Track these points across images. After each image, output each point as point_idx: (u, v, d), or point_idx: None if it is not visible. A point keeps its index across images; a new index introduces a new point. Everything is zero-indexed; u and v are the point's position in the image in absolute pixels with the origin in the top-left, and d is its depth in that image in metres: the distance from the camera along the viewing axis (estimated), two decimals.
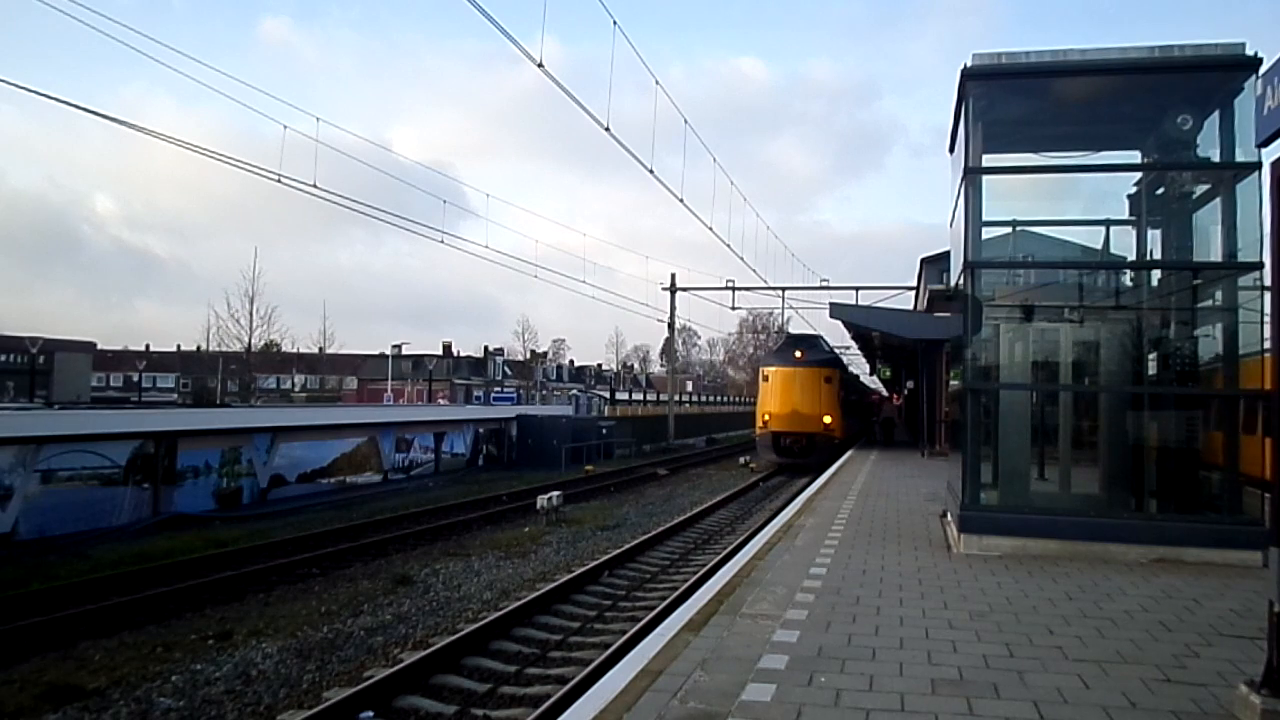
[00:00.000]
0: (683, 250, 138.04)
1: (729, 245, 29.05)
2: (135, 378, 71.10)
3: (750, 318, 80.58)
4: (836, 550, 8.73)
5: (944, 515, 10.70)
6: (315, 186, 17.33)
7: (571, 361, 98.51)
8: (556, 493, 18.00)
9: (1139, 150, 10.44)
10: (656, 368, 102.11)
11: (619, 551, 13.34)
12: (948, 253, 14.53)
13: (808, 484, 18.09)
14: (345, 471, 23.10)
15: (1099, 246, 10.53)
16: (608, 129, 15.91)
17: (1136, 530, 8.43)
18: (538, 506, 17.40)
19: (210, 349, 55.62)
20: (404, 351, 67.27)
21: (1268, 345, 5.83)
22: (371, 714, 6.61)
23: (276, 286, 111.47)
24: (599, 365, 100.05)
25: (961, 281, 9.42)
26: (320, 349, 67.55)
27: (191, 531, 15.73)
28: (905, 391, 36.65)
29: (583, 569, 11.88)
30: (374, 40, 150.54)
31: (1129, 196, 10.10)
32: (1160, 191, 9.92)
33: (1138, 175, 10.17)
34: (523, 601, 9.91)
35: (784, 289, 39.82)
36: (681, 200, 22.29)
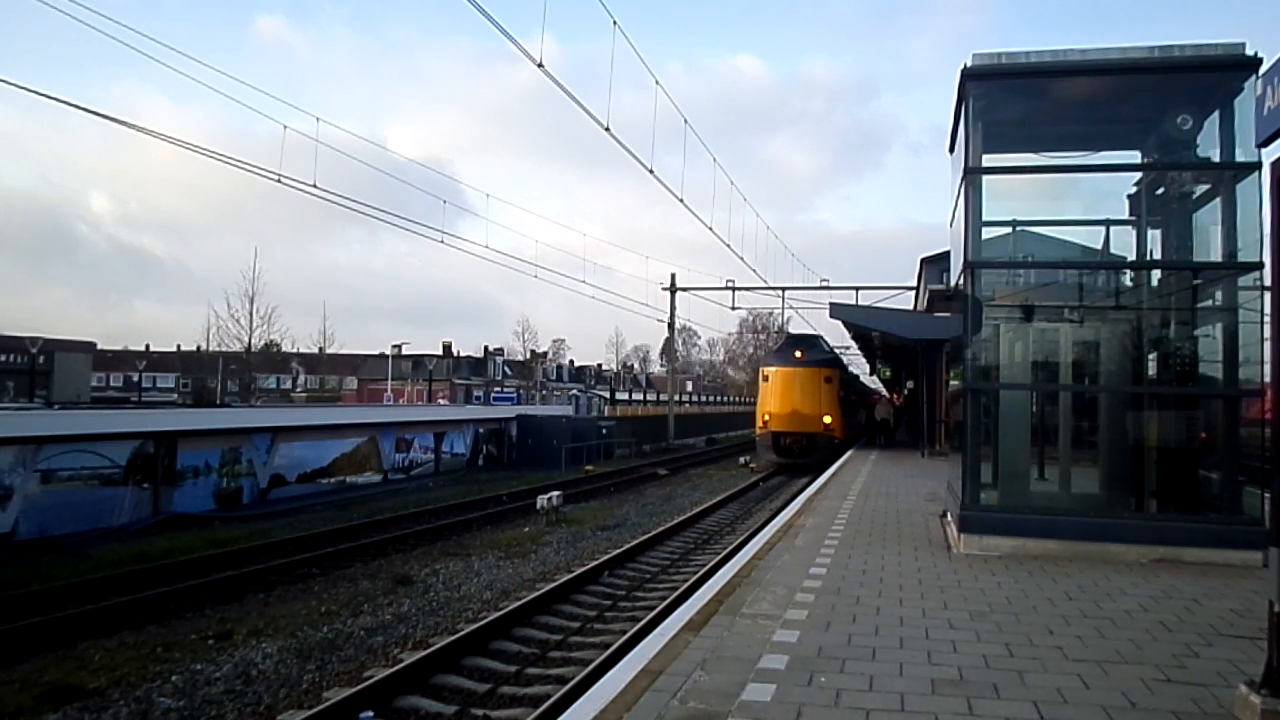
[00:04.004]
0: (682, 250, 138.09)
1: (729, 245, 29.11)
2: (135, 378, 71.11)
3: (750, 318, 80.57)
4: (836, 550, 8.72)
5: (944, 515, 10.70)
6: (315, 186, 17.36)
7: (571, 361, 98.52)
8: (556, 493, 18.01)
9: (1139, 150, 10.44)
10: (656, 368, 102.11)
11: (619, 551, 13.34)
12: (948, 253, 14.52)
13: (807, 484, 18.08)
14: (345, 471, 23.09)
15: (1099, 246, 10.53)
16: (608, 129, 15.92)
17: (1136, 530, 8.43)
18: (538, 506, 17.40)
19: (210, 349, 55.66)
20: (404, 351, 67.26)
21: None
22: (371, 714, 6.61)
23: (276, 286, 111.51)
24: (599, 365, 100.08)
25: (961, 281, 9.42)
26: (320, 349, 67.65)
27: (191, 531, 15.72)
28: (905, 391, 36.62)
29: (583, 569, 11.88)
30: (369, 38, 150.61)
31: (1129, 196, 10.09)
32: (1160, 191, 9.92)
33: (1138, 175, 10.16)
34: (523, 601, 9.91)
35: (784, 289, 39.91)
36: (681, 200, 22.32)
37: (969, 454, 8.85)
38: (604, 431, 35.06)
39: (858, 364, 47.85)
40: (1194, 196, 9.37)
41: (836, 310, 27.07)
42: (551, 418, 34.35)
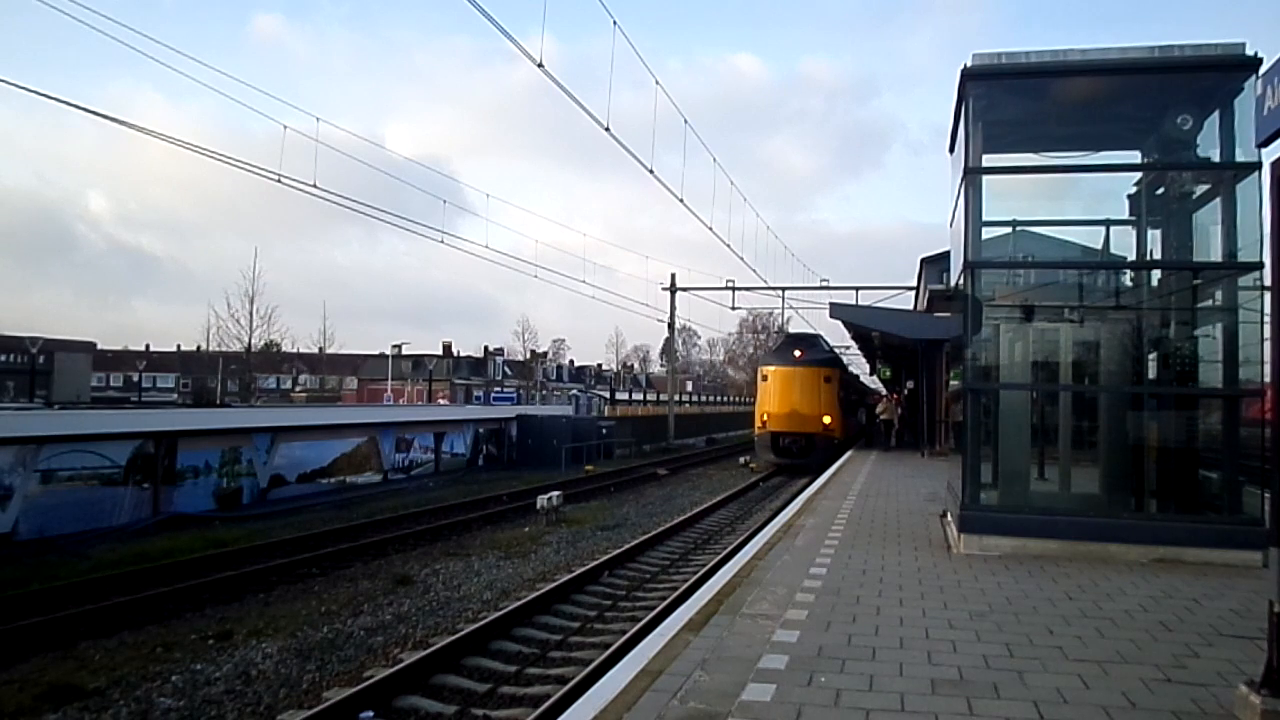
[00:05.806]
0: (682, 250, 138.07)
1: (728, 245, 29.09)
2: (135, 378, 71.15)
3: (750, 318, 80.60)
4: (836, 550, 8.73)
5: (944, 515, 10.70)
6: (314, 186, 17.36)
7: (571, 361, 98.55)
8: (556, 493, 18.00)
9: (1139, 150, 10.44)
10: (656, 368, 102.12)
11: (619, 551, 13.34)
12: (948, 253, 14.51)
13: (807, 484, 18.08)
14: (345, 471, 23.09)
15: (1099, 246, 10.54)
16: (608, 129, 15.91)
17: (1136, 530, 8.43)
18: (538, 506, 17.39)
19: (210, 349, 55.72)
20: (404, 351, 67.30)
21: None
22: (371, 714, 6.61)
23: (276, 286, 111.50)
24: (599, 365, 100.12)
25: (961, 281, 9.42)
26: (320, 349, 67.62)
27: (191, 531, 15.72)
28: (905, 391, 36.64)
29: (583, 569, 11.88)
30: (366, 37, 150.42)
31: (1129, 196, 10.09)
32: (1160, 191, 9.92)
33: (1138, 175, 10.16)
34: (523, 601, 9.91)
35: (784, 289, 39.91)
36: (681, 200, 22.31)
37: (969, 454, 8.85)
38: (604, 431, 35.05)
39: (858, 364, 47.86)
40: (1194, 196, 9.37)
41: (836, 310, 27.07)
42: (551, 418, 34.35)
